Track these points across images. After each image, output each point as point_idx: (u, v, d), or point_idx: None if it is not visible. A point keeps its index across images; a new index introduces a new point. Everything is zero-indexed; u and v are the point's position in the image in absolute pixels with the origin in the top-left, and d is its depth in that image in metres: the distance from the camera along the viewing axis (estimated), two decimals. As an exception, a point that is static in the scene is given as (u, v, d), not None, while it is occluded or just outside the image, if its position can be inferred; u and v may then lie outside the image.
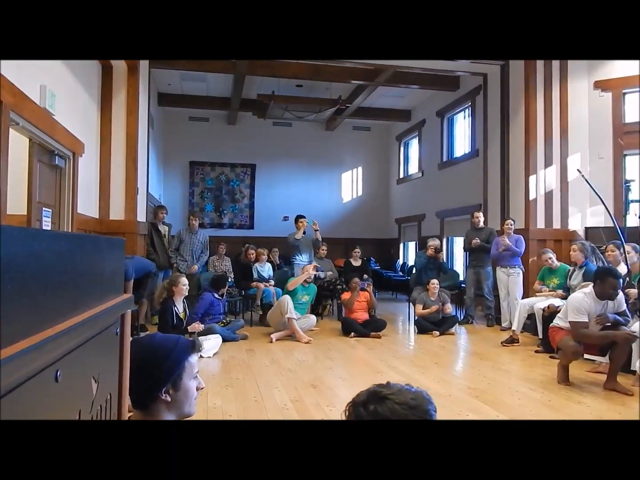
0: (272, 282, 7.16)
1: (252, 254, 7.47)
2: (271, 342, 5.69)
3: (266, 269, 7.43)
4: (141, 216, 6.62)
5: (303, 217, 7.26)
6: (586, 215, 6.93)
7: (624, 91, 6.67)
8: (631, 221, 6.24)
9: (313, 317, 6.31)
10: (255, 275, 7.21)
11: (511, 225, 6.49)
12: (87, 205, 5.54)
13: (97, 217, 6.00)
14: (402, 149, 12.32)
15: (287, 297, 5.96)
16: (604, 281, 3.77)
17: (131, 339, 1.31)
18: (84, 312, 0.78)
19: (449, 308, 6.41)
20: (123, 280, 1.38)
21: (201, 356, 4.72)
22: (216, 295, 5.82)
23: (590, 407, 3.41)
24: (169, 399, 1.28)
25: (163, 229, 7.09)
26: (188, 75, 9.02)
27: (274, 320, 6.05)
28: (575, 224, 6.93)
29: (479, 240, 6.71)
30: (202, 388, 1.38)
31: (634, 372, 3.98)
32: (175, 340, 1.35)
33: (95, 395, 0.85)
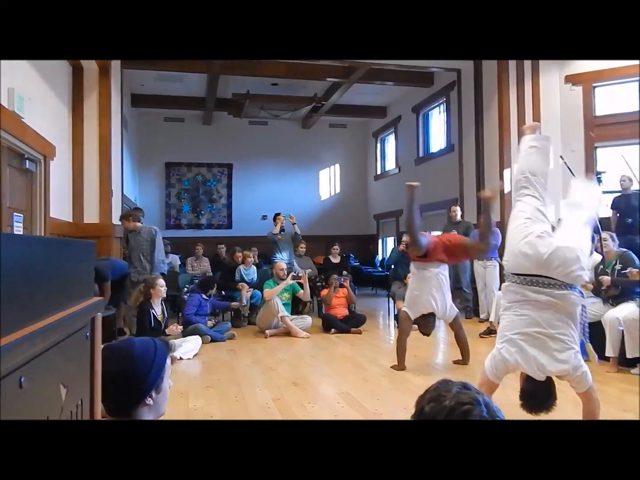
0: (250, 288, 6.97)
1: (239, 256, 7.36)
2: (266, 337, 5.90)
3: (251, 273, 7.28)
4: (116, 219, 6.52)
5: (279, 214, 7.37)
6: (559, 207, 7.03)
7: (594, 85, 6.79)
8: (603, 212, 6.36)
9: (309, 319, 6.38)
10: (237, 277, 7.12)
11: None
12: (61, 209, 5.44)
13: (71, 220, 5.89)
14: (378, 145, 12.38)
15: (275, 299, 6.10)
16: None
17: (105, 345, 1.30)
18: (49, 317, 0.77)
19: None
20: (93, 283, 1.37)
21: (181, 358, 4.69)
22: (204, 296, 5.85)
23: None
24: (152, 402, 1.33)
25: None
26: (162, 76, 8.91)
27: (264, 322, 6.17)
28: (549, 216, 7.01)
29: (455, 232, 6.78)
30: (171, 386, 1.45)
31: (608, 359, 4.07)
32: (153, 345, 1.39)
33: (64, 400, 0.84)
